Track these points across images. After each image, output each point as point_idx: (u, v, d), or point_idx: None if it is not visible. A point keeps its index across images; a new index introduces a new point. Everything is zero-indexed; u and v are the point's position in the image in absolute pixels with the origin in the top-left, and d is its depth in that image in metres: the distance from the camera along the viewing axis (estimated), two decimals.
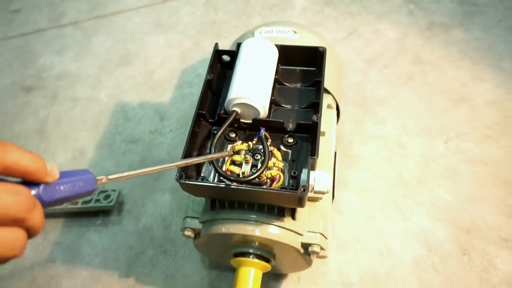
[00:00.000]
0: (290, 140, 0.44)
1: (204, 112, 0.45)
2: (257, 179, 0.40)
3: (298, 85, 0.50)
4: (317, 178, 0.39)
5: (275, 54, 0.49)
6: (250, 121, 0.44)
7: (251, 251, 0.45)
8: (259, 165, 0.42)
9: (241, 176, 0.41)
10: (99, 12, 0.98)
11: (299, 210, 0.44)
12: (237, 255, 0.46)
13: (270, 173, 0.41)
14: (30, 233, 0.23)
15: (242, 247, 0.46)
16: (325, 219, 0.46)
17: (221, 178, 0.40)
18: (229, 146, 0.45)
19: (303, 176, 0.40)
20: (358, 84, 0.77)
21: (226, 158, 0.43)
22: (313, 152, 0.40)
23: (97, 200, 0.62)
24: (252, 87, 0.44)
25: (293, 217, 0.43)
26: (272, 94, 0.46)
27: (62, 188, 0.25)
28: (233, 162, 0.43)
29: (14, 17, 0.98)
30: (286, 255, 0.46)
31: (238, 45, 0.49)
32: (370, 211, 0.61)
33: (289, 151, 0.44)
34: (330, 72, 0.55)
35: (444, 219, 0.60)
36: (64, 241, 0.62)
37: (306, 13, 0.92)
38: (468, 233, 0.58)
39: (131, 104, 0.79)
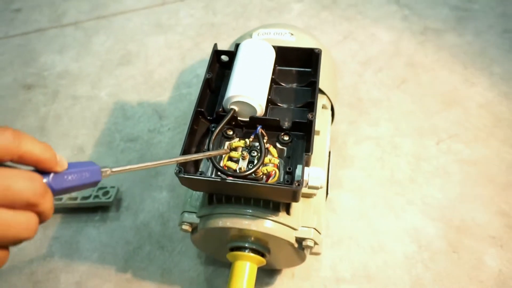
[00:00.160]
0: (286, 138, 0.46)
1: (203, 109, 0.46)
2: (253, 174, 0.41)
3: (294, 85, 0.51)
4: (311, 173, 0.40)
5: (272, 54, 0.50)
6: (247, 119, 0.46)
7: (246, 245, 0.47)
8: (256, 162, 0.43)
9: (238, 171, 0.42)
10: (100, 12, 0.99)
11: (294, 206, 0.46)
12: (233, 249, 0.48)
13: (266, 169, 0.42)
14: (41, 218, 0.25)
15: (238, 242, 0.47)
16: (318, 215, 0.47)
17: (219, 173, 0.42)
18: (227, 143, 0.46)
19: (298, 172, 0.42)
20: (353, 86, 0.79)
21: (224, 155, 0.44)
22: (308, 148, 0.41)
23: (96, 196, 0.63)
24: (250, 86, 0.45)
25: (288, 212, 0.45)
26: (269, 94, 0.48)
27: (70, 177, 0.27)
28: (230, 159, 0.44)
29: (15, 16, 1.00)
30: (281, 250, 0.48)
31: (237, 45, 0.51)
32: (363, 209, 0.63)
33: (285, 148, 0.46)
34: (325, 74, 0.57)
35: (435, 217, 0.61)
36: (62, 236, 0.63)
37: (302, 17, 0.94)
38: (457, 231, 0.60)
39: (130, 103, 0.80)
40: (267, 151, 0.44)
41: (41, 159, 0.25)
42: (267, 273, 0.57)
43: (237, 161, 0.44)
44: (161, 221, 0.63)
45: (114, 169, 0.30)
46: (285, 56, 0.51)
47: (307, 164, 0.41)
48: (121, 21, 0.97)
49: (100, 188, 0.64)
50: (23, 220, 0.23)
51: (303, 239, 0.45)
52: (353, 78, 0.81)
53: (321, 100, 0.57)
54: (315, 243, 0.45)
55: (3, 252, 0.24)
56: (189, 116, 0.45)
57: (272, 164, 0.43)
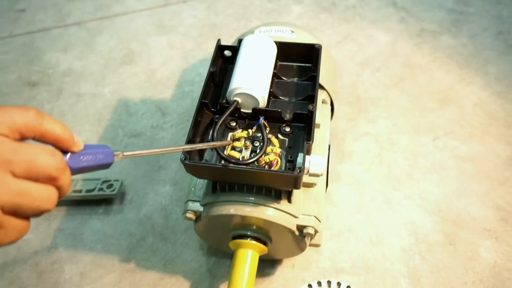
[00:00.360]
0: (287, 129, 0.47)
1: (207, 101, 0.48)
2: (255, 163, 0.43)
3: (295, 79, 0.53)
4: (312, 161, 0.42)
5: (274, 49, 0.52)
6: (250, 111, 0.48)
7: (249, 233, 0.48)
8: (258, 151, 0.45)
9: (241, 160, 0.44)
10: (103, 13, 1.01)
11: (295, 194, 0.47)
12: (235, 237, 0.49)
13: (268, 158, 0.44)
14: (60, 192, 0.26)
15: (240, 230, 0.48)
16: (319, 204, 0.49)
17: (223, 161, 0.43)
18: (230, 134, 0.48)
19: (299, 159, 0.43)
20: (352, 85, 0.81)
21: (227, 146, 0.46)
22: (309, 137, 0.43)
23: (100, 189, 0.64)
24: (253, 79, 0.47)
25: (289, 200, 0.46)
26: (271, 87, 0.50)
27: (85, 158, 0.28)
28: (233, 148, 0.46)
29: (20, 16, 1.01)
30: (282, 238, 0.49)
31: (239, 41, 0.53)
32: (361, 203, 0.64)
33: (286, 139, 0.47)
34: (325, 71, 0.59)
35: (432, 211, 0.63)
36: (67, 228, 0.64)
37: (302, 19, 0.96)
38: (454, 224, 0.61)
39: (133, 100, 0.81)
40: (269, 141, 0.46)
41: (60, 138, 0.26)
42: (268, 264, 0.58)
43: (240, 151, 0.45)
44: (164, 213, 0.65)
45: (125, 153, 0.32)
46: (286, 51, 0.53)
47: (308, 152, 0.43)
48: (124, 22, 0.99)
49: (105, 181, 0.65)
50: (45, 193, 0.25)
51: (304, 226, 0.46)
52: (352, 78, 0.83)
53: (321, 95, 0.58)
54: (316, 231, 0.47)
55: (25, 223, 0.25)
56: (192, 113, 0.47)
57: (274, 153, 0.45)
